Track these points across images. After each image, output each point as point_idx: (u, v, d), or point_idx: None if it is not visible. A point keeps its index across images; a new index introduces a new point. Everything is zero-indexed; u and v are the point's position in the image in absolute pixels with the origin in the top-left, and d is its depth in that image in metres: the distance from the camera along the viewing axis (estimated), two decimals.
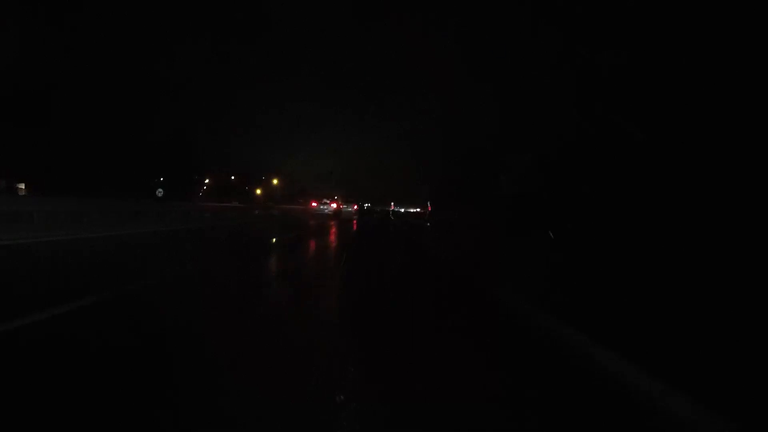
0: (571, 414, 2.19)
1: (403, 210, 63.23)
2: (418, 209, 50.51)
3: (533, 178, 11.77)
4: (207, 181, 44.07)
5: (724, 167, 4.80)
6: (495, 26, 12.95)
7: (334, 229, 17.73)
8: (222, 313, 3.78)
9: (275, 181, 50.97)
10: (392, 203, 65.49)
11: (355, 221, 27.18)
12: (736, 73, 4.85)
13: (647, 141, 5.94)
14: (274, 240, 12.04)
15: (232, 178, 47.10)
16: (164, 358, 2.59)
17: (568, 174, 10.08)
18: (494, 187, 13.69)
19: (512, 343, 3.40)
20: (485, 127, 14.26)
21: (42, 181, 21.53)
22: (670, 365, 2.52)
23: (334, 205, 37.69)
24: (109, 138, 24.07)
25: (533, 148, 12.04)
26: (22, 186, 24.91)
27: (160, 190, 12.15)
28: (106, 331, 3.05)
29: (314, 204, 39.04)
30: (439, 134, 19.11)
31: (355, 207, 39.67)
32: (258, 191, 48.43)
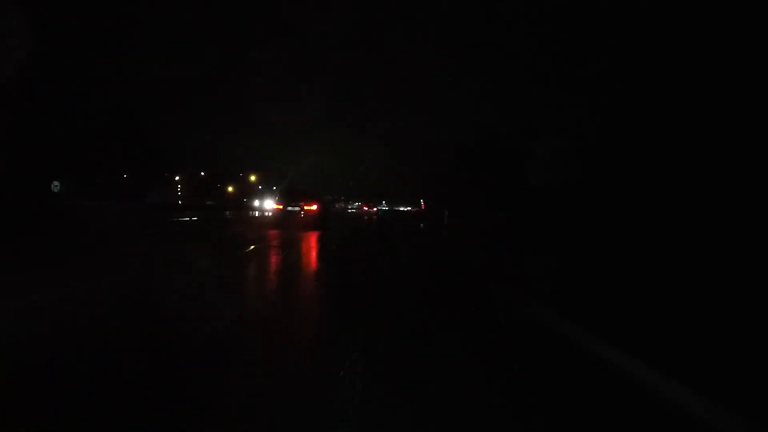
0: None
1: (387, 208, 60.24)
2: (410, 207, 47.86)
3: (570, 165, 9.50)
4: (177, 178, 40.50)
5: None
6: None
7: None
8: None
9: (253, 178, 46.99)
10: (383, 201, 62.53)
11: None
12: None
13: None
14: None
15: (202, 174, 42.77)
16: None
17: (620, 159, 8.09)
18: (516, 179, 11.31)
19: None
20: (502, 109, 11.93)
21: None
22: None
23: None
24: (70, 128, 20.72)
25: (569, 129, 9.81)
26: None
27: (56, 183, 9.70)
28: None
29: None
30: (438, 125, 16.95)
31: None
32: (230, 189, 44.34)
